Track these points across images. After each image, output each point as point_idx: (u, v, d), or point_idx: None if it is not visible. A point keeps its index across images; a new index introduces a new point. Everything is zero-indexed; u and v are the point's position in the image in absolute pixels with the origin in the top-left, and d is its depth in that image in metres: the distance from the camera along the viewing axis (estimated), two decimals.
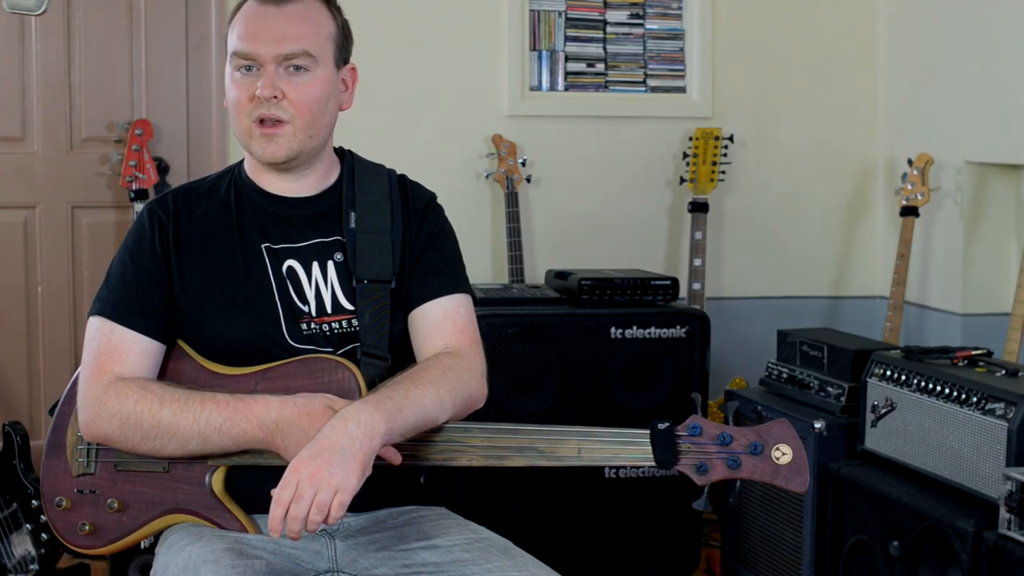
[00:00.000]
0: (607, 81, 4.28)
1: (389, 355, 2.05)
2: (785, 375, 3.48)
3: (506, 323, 3.53)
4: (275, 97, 2.01)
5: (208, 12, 4.09)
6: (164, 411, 1.93)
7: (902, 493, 2.91)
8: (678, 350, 3.63)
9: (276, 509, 1.77)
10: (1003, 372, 2.85)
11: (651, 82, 4.31)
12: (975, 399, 2.77)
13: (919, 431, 2.93)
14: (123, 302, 2.03)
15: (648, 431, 1.90)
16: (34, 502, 3.27)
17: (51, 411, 2.12)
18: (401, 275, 2.10)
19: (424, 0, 4.13)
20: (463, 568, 1.92)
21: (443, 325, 2.08)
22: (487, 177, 4.12)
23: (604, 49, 4.26)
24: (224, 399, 1.93)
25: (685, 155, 4.19)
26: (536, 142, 4.18)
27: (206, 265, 2.07)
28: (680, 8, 4.31)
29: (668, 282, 3.71)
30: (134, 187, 3.81)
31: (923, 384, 2.92)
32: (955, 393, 2.82)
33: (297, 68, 2.02)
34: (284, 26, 2.02)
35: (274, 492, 1.78)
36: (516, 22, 4.15)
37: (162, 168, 3.97)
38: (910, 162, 3.98)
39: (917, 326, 4.17)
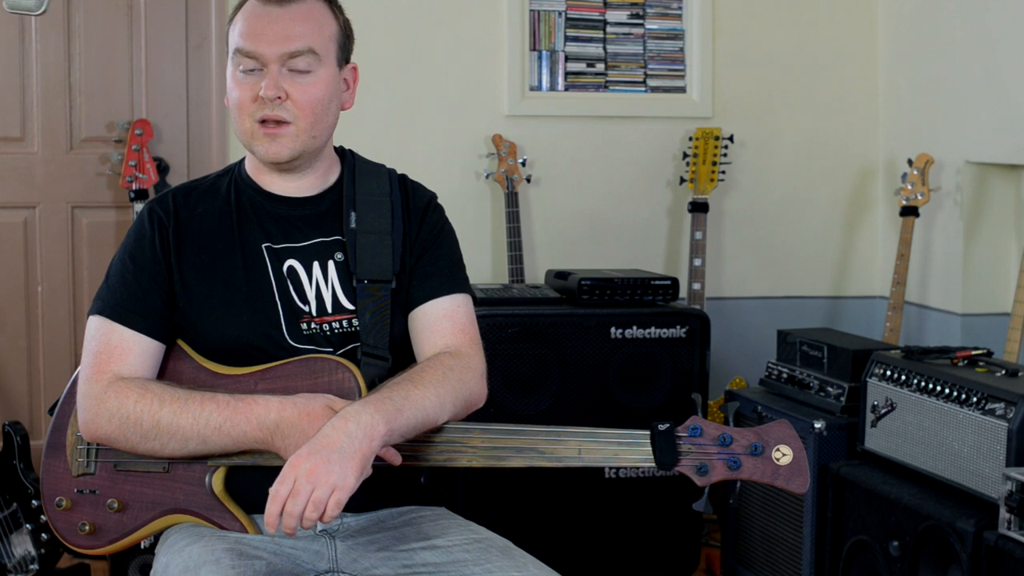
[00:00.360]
0: (607, 81, 4.28)
1: (389, 355, 2.05)
2: (785, 375, 3.48)
3: (506, 323, 3.53)
4: (279, 98, 2.01)
5: (208, 12, 4.09)
6: (164, 411, 1.93)
7: (902, 493, 2.91)
8: (678, 350, 3.63)
9: (272, 505, 1.77)
10: (1003, 372, 2.85)
11: (651, 82, 4.31)
12: (975, 399, 2.76)
13: (919, 431, 2.93)
14: (123, 302, 2.03)
15: (648, 432, 1.91)
16: (34, 502, 3.27)
17: (51, 411, 2.11)
18: (401, 275, 2.10)
19: (424, 0, 4.13)
20: (463, 568, 1.92)
21: (443, 325, 2.08)
22: (487, 177, 4.12)
23: (604, 49, 4.26)
24: (224, 399, 1.93)
25: (685, 155, 4.19)
26: (536, 142, 4.18)
27: (206, 264, 2.06)
28: (680, 8, 4.31)
29: (668, 282, 3.71)
30: (134, 187, 3.81)
31: (923, 384, 2.92)
32: (955, 393, 2.82)
33: (300, 68, 2.02)
34: (287, 25, 2.02)
35: (271, 487, 1.78)
36: (516, 22, 4.15)
37: (162, 168, 3.97)
38: (910, 162, 3.98)
39: (917, 326, 4.17)
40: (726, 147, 4.15)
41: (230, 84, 2.06)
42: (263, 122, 2.03)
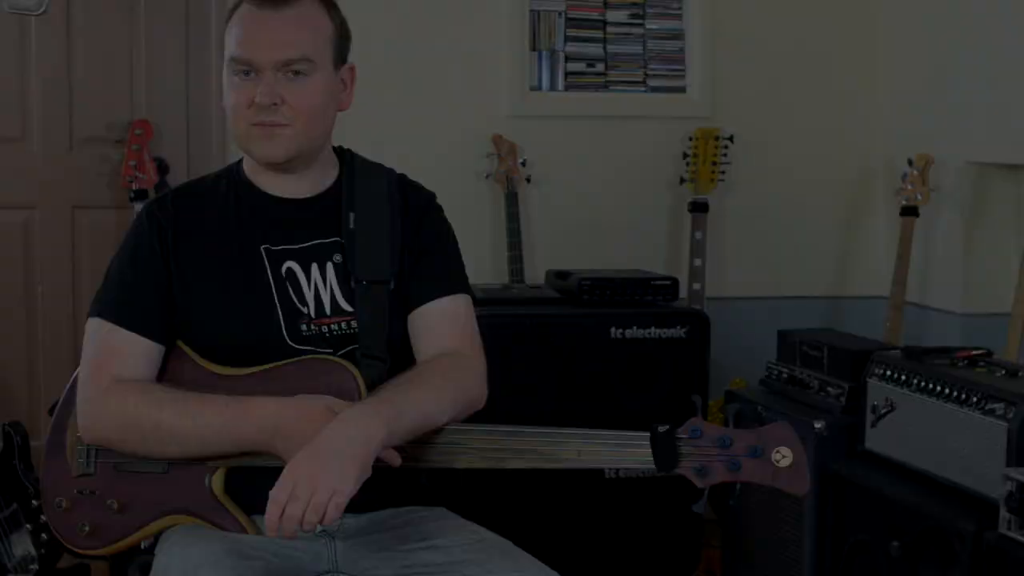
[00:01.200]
0: (607, 81, 4.27)
1: (388, 356, 2.05)
2: (785, 375, 3.47)
3: (506, 323, 3.53)
4: (275, 104, 2.01)
5: (208, 12, 4.09)
6: (163, 413, 1.93)
7: (902, 493, 2.91)
8: (678, 350, 3.63)
9: (272, 509, 1.78)
10: (1003, 372, 2.85)
11: (651, 82, 4.31)
12: (975, 399, 2.76)
13: (919, 431, 2.93)
14: (122, 303, 2.03)
15: (648, 434, 1.90)
16: (34, 502, 3.27)
17: (51, 411, 2.12)
18: (400, 275, 2.10)
19: (424, 0, 4.13)
20: (463, 569, 1.92)
21: (443, 326, 2.08)
22: (487, 177, 4.11)
23: (604, 49, 4.26)
24: (223, 401, 1.93)
25: (685, 155, 4.19)
26: (536, 142, 4.18)
27: (205, 266, 2.06)
28: (680, 8, 4.30)
29: (668, 282, 3.71)
30: (134, 187, 3.82)
31: (923, 384, 2.92)
32: (955, 393, 2.82)
33: (296, 73, 2.02)
34: (282, 32, 2.01)
35: (271, 492, 1.78)
36: (516, 22, 4.15)
37: (162, 168, 3.97)
38: (910, 162, 3.98)
39: (917, 326, 4.17)
40: (726, 147, 4.15)
41: (226, 88, 2.05)
42: (260, 125, 2.02)
